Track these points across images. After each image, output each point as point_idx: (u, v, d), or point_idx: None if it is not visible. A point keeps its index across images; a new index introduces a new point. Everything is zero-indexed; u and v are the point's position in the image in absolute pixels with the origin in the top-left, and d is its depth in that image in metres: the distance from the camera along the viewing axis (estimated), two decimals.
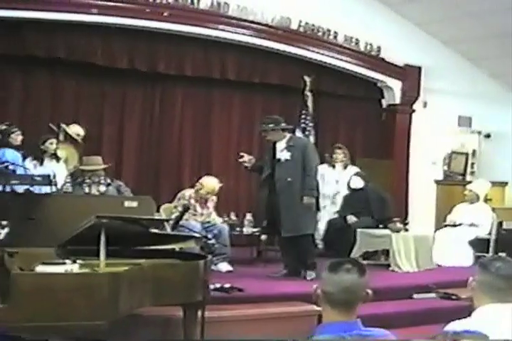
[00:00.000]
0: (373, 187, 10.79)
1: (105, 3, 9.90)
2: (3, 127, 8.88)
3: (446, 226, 11.07)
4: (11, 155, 8.32)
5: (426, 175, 13.02)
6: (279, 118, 8.80)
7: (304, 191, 8.38)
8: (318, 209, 8.72)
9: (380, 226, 10.12)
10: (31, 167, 8.74)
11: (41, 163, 8.91)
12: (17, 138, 8.80)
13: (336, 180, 11.16)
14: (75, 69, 10.48)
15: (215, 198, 9.18)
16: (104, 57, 10.36)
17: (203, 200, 9.02)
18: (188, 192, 9.03)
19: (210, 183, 8.99)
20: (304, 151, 8.53)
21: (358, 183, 10.68)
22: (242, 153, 8.85)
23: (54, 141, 9.13)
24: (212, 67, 11.27)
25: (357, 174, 10.82)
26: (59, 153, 9.27)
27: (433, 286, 8.42)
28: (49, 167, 8.85)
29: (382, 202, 10.56)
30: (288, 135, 8.71)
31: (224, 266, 8.71)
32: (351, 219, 10.44)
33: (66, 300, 4.49)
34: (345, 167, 11.23)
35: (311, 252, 8.61)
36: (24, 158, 8.82)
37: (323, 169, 10.50)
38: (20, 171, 7.64)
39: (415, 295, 8.26)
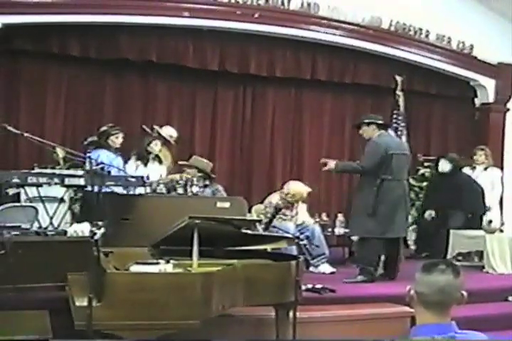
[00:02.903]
0: (466, 175, 10.45)
1: (196, 6, 10.00)
2: (104, 128, 8.98)
3: None
4: (106, 157, 8.41)
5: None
6: (374, 116, 8.66)
7: None
8: (373, 213, 8.12)
9: (472, 222, 9.85)
10: (133, 168, 8.88)
11: (145, 165, 9.05)
12: (116, 140, 8.84)
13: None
14: (167, 71, 10.62)
15: (304, 205, 9.19)
16: (195, 59, 10.46)
17: (290, 205, 8.96)
18: (275, 200, 8.94)
19: (299, 190, 8.90)
20: (364, 150, 8.42)
21: (445, 167, 10.32)
22: (323, 160, 8.64)
23: (158, 142, 9.26)
24: (302, 68, 11.25)
25: (446, 157, 10.43)
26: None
27: None
28: (152, 169, 8.97)
29: (476, 194, 10.19)
30: (378, 132, 8.41)
31: (326, 268, 8.67)
32: (430, 214, 10.20)
33: (160, 299, 4.56)
34: (485, 169, 10.89)
35: (363, 256, 8.29)
36: (126, 160, 8.97)
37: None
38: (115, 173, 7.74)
39: (511, 298, 8.10)
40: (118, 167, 8.07)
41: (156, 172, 8.83)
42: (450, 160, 10.36)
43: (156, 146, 9.19)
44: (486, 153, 10.83)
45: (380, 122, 8.50)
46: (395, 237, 8.33)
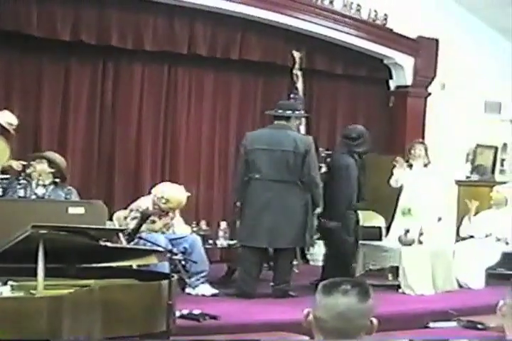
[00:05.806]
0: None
1: None
2: None
3: (471, 237, 11.00)
4: None
5: (445, 174, 12.96)
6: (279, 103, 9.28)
7: None
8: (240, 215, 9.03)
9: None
10: None
11: None
12: None
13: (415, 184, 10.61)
14: (4, 41, 10.41)
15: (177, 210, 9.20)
16: (41, 26, 10.26)
17: (163, 213, 8.97)
18: (145, 204, 8.93)
19: (177, 197, 8.88)
20: None
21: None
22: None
23: None
24: (178, 40, 11.21)
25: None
26: None
27: (454, 313, 8.43)
28: None
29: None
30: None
31: (207, 289, 8.69)
32: (328, 223, 9.49)
33: None
34: (425, 165, 10.72)
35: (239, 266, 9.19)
36: None
37: (397, 172, 10.47)
38: None
39: (432, 324, 8.27)
40: None
41: None
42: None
43: None
44: (425, 147, 10.76)
45: (275, 113, 9.00)
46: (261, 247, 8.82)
